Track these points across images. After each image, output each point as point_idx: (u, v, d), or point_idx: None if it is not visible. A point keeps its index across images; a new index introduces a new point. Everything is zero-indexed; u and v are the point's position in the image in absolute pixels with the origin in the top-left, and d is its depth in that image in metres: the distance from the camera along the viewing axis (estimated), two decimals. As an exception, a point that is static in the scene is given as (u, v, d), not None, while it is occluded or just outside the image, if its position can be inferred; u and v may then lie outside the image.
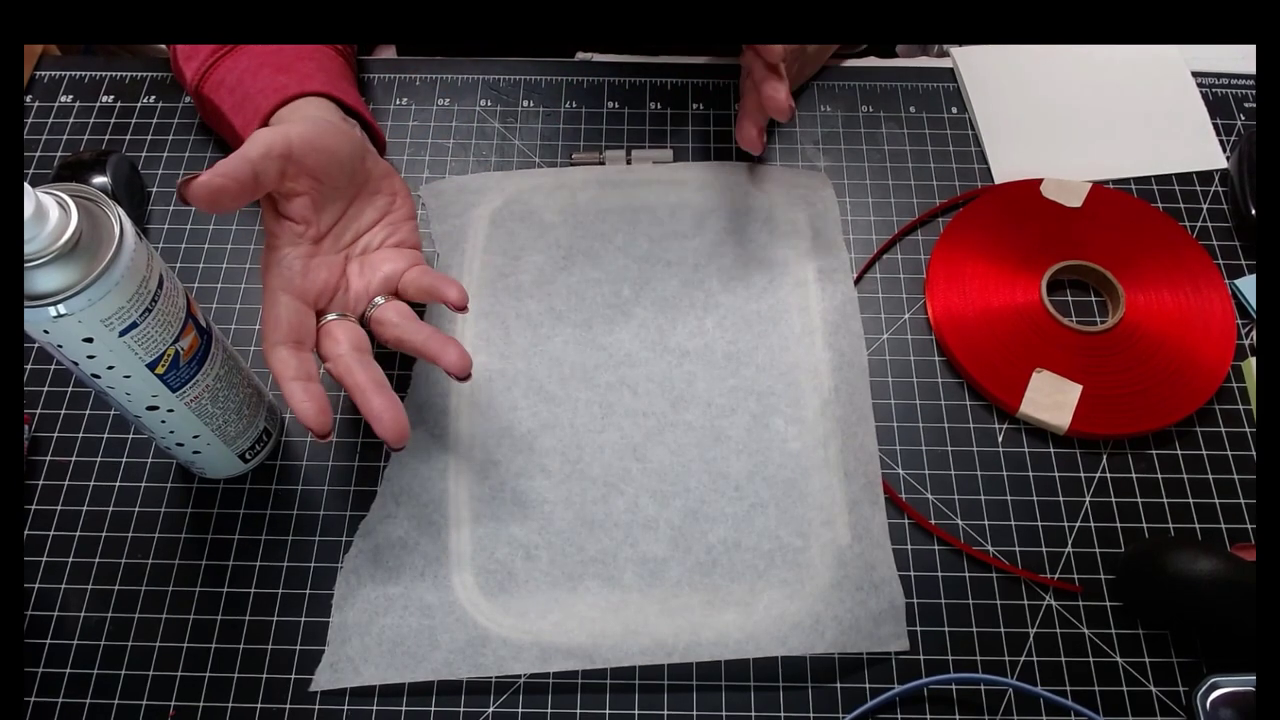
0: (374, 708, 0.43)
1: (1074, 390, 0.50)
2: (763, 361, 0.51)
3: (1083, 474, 0.49)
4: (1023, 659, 0.45)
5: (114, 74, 0.63)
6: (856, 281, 0.55)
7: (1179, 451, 0.50)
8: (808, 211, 0.56)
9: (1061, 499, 0.48)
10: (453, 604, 0.45)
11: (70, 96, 0.62)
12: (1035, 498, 0.49)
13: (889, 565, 0.46)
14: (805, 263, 0.54)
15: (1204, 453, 0.50)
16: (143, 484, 0.49)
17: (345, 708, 0.43)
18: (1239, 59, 0.63)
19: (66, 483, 0.49)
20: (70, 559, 0.47)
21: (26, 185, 0.32)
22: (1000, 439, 0.50)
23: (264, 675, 0.44)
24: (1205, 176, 0.58)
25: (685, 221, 0.56)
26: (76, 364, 0.37)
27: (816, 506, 0.47)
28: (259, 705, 0.44)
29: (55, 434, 0.50)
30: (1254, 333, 0.53)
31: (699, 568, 0.46)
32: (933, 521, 0.48)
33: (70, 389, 0.51)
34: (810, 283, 0.54)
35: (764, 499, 0.47)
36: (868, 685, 0.44)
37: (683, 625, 0.44)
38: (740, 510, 0.47)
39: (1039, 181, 0.57)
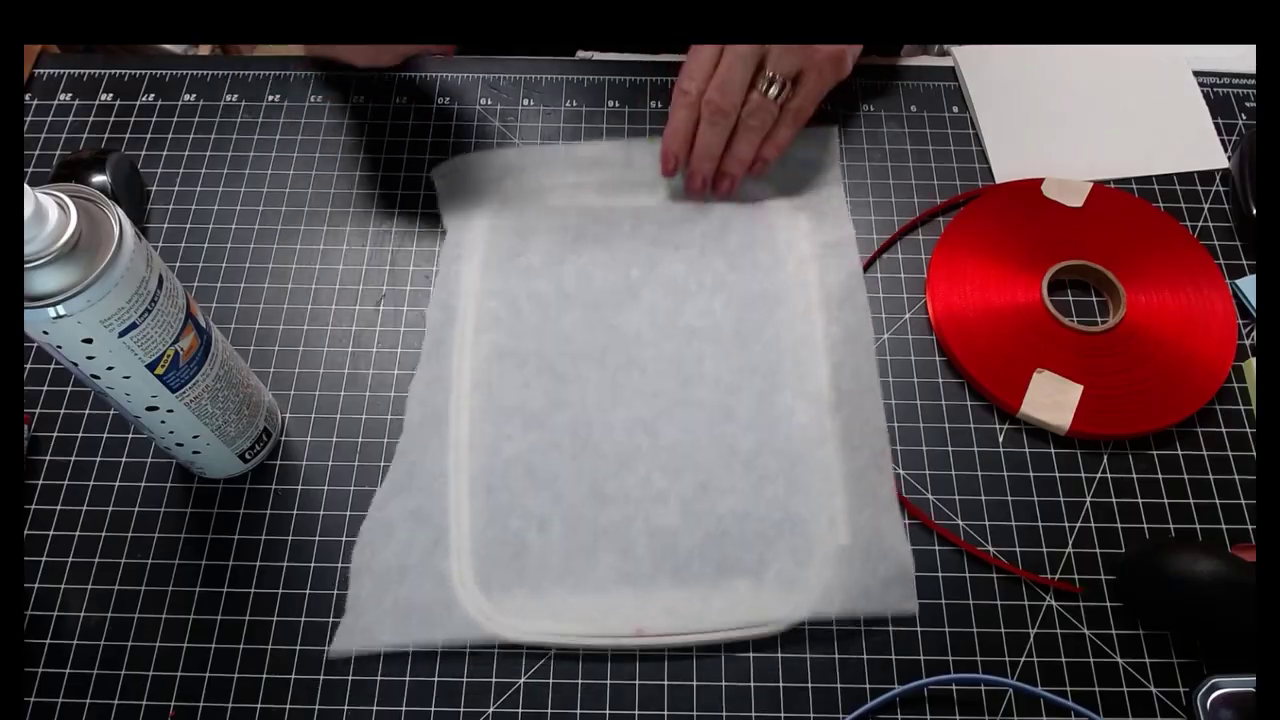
0: (374, 708, 0.43)
1: (1075, 390, 0.50)
2: (770, 338, 0.52)
3: (1083, 474, 0.49)
4: (1023, 659, 0.45)
5: (113, 72, 0.63)
6: (857, 281, 0.55)
7: (1179, 452, 0.50)
8: (812, 190, 0.57)
9: (1062, 499, 0.48)
10: (466, 574, 0.45)
11: (69, 95, 0.62)
12: (1036, 498, 0.48)
13: (897, 532, 0.46)
14: (809, 240, 0.55)
15: (1204, 453, 0.50)
16: (142, 484, 0.49)
17: (345, 708, 0.43)
18: (1240, 59, 0.63)
19: (66, 483, 0.49)
20: (70, 559, 0.47)
21: (26, 185, 0.32)
22: (1001, 439, 0.50)
23: (264, 675, 0.44)
24: (1206, 176, 0.58)
25: (691, 206, 0.57)
26: (76, 364, 0.37)
27: (824, 478, 0.48)
28: (259, 705, 0.43)
29: (55, 434, 0.50)
30: (1254, 333, 0.53)
31: (709, 538, 0.46)
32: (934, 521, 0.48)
33: (70, 389, 0.51)
34: (813, 259, 0.54)
35: (772, 471, 0.48)
36: (868, 685, 0.44)
37: (694, 593, 0.45)
38: (749, 483, 0.48)
39: (1040, 181, 0.57)
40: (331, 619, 0.45)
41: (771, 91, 0.52)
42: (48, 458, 0.49)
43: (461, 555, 0.46)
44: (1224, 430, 0.50)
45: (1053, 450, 0.50)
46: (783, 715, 0.43)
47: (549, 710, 0.44)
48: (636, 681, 0.44)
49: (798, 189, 0.57)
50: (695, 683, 0.44)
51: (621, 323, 0.52)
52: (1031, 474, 0.49)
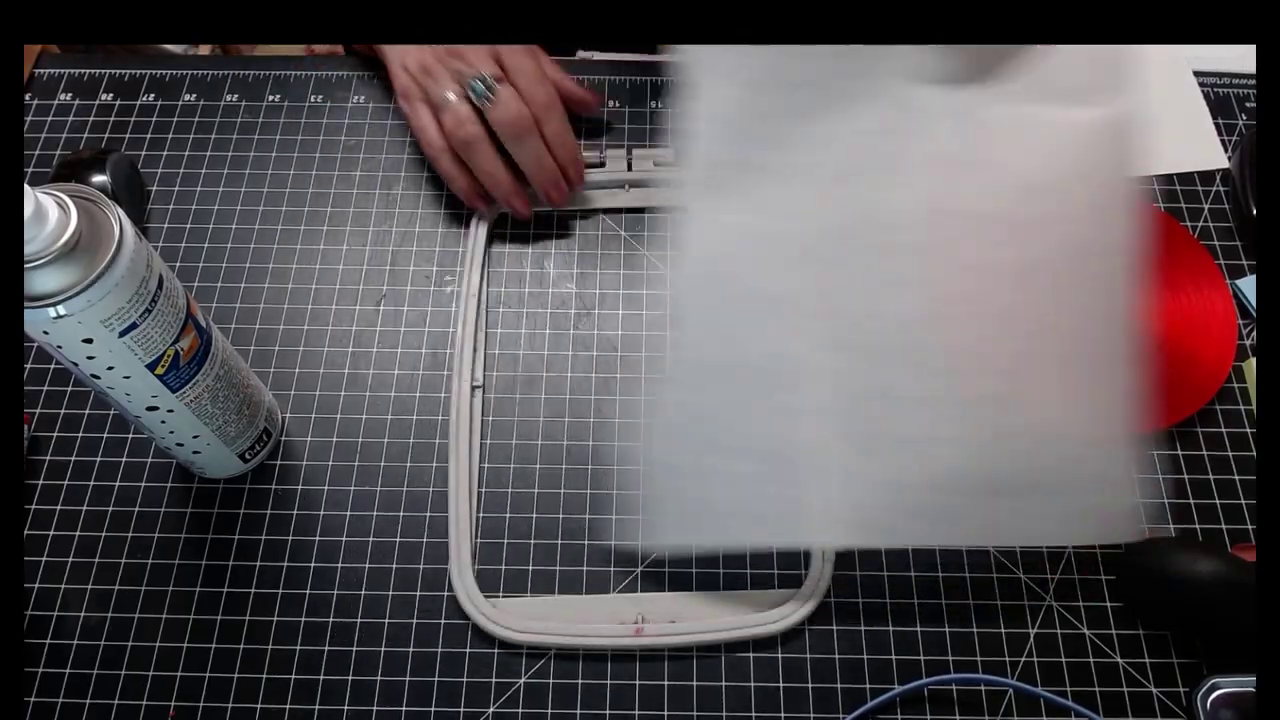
0: (374, 708, 0.43)
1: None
2: (1050, 238, 0.45)
3: (1083, 474, 0.49)
4: (1023, 659, 0.45)
5: (113, 72, 0.63)
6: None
7: (1179, 452, 0.50)
8: (1104, 82, 0.48)
9: (1062, 499, 0.48)
10: (753, 473, 0.44)
11: (69, 95, 0.62)
12: (1036, 498, 0.48)
13: (1130, 468, 0.44)
14: (1094, 138, 0.47)
15: (1204, 453, 0.50)
16: (142, 484, 0.49)
17: (345, 708, 0.43)
18: (1240, 58, 0.63)
19: (66, 482, 0.49)
20: (70, 559, 0.47)
21: (26, 185, 0.32)
22: (1001, 439, 0.50)
23: (264, 675, 0.44)
24: (1207, 176, 0.58)
25: (956, 69, 0.48)
26: (76, 364, 0.37)
27: (1092, 404, 0.44)
28: (259, 706, 0.44)
29: (55, 434, 0.50)
30: (1254, 333, 0.53)
31: (981, 449, 0.43)
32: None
33: (70, 389, 0.51)
34: (1100, 160, 0.47)
35: (1047, 380, 0.44)
36: (868, 685, 0.44)
37: (956, 503, 0.43)
38: (1023, 400, 0.44)
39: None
40: (332, 619, 0.45)
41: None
42: (48, 458, 0.49)
43: (748, 453, 0.44)
44: (1224, 430, 0.50)
45: (1053, 450, 0.50)
46: (783, 715, 0.43)
47: (549, 710, 0.44)
48: (637, 682, 0.44)
49: (1083, 78, 0.48)
50: (695, 683, 0.44)
51: (886, 206, 0.45)
52: (1031, 474, 0.49)
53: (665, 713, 0.43)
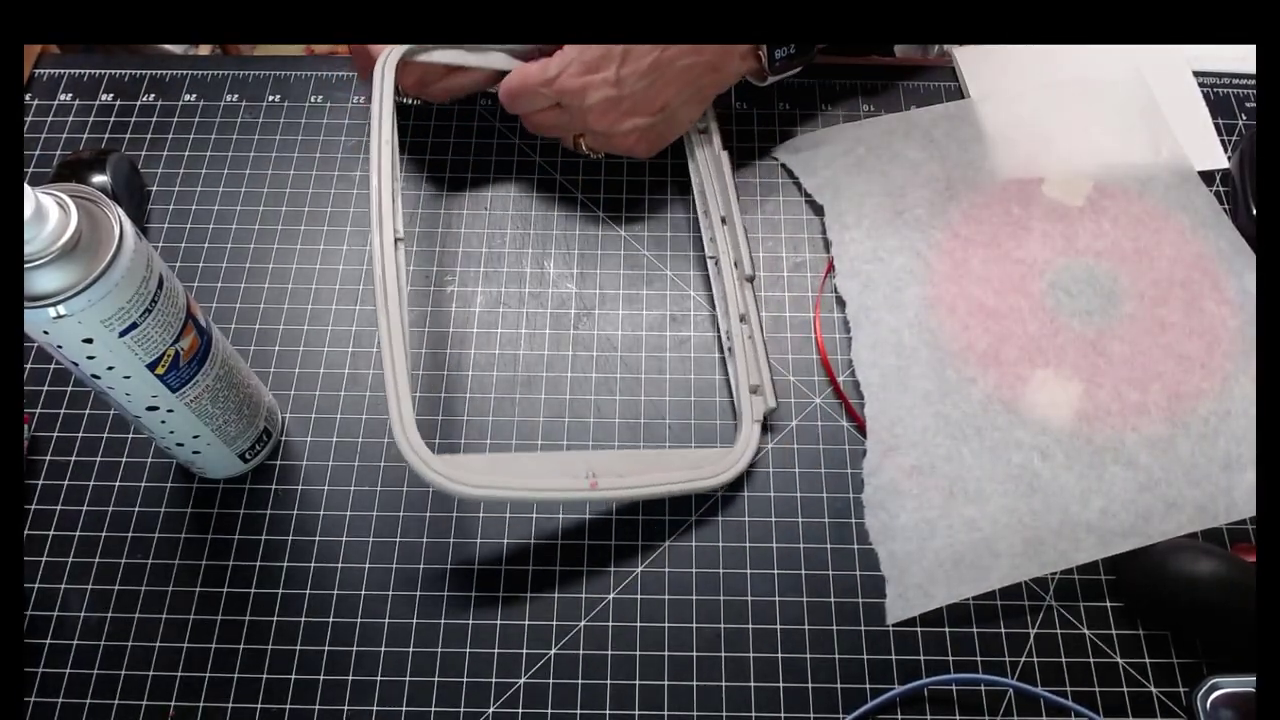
0: (374, 708, 0.43)
1: (1075, 390, 0.50)
2: (1171, 254, 0.54)
3: (1083, 474, 0.49)
4: (1023, 659, 0.45)
5: (113, 72, 0.63)
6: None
7: (1179, 452, 0.50)
8: (1141, 119, 0.60)
9: (1062, 499, 0.48)
10: (995, 513, 0.47)
11: (69, 95, 0.62)
12: (1036, 498, 0.48)
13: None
14: (1164, 166, 0.58)
15: (1204, 453, 0.50)
16: (142, 484, 0.49)
17: (345, 708, 0.43)
18: (1240, 59, 0.63)
19: (66, 482, 0.49)
20: (70, 559, 0.47)
21: (26, 185, 0.32)
22: (1001, 439, 0.50)
23: (264, 676, 0.44)
24: (1206, 176, 0.58)
25: (1035, 143, 0.59)
26: (76, 364, 0.37)
27: (1252, 379, 0.50)
28: (259, 706, 0.44)
29: (55, 434, 0.50)
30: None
31: (1202, 439, 0.48)
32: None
33: (70, 389, 0.51)
34: (1176, 184, 0.57)
35: (1231, 370, 0.50)
36: (868, 685, 0.44)
37: (1208, 490, 0.47)
38: (1215, 385, 0.50)
39: (1040, 180, 0.57)
40: (332, 619, 0.45)
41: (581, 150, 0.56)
42: (48, 458, 0.49)
43: (983, 496, 0.47)
44: (1224, 430, 0.50)
45: (1053, 450, 0.50)
46: (783, 715, 0.43)
47: (549, 710, 0.44)
48: (636, 682, 0.44)
49: (1129, 122, 0.60)
50: (695, 683, 0.44)
51: (1025, 255, 0.54)
52: (1031, 474, 0.49)
53: (665, 713, 0.43)
